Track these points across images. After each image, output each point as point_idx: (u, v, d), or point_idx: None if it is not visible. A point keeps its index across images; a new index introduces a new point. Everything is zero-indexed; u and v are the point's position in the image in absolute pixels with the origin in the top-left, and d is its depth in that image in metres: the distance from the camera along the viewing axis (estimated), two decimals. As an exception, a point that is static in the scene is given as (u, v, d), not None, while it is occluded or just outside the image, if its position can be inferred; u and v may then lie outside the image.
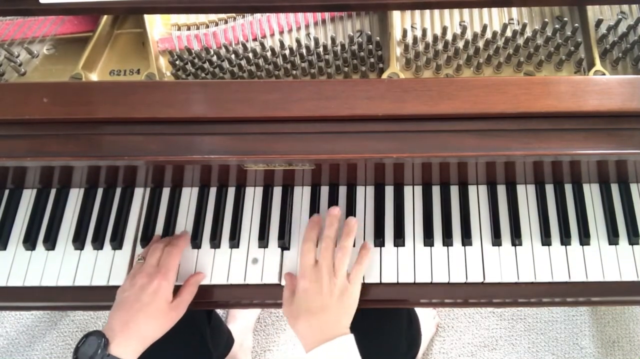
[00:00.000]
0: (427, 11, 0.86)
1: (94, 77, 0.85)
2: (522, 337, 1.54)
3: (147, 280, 0.77)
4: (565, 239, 0.83)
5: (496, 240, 0.84)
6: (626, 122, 0.70)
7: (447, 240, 0.84)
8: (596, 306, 1.53)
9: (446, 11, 0.86)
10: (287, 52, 0.83)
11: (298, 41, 0.83)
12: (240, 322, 1.53)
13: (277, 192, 0.90)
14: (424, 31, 0.84)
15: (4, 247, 0.89)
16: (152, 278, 0.77)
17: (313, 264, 0.77)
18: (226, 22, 0.87)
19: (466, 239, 0.84)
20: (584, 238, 0.83)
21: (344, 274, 0.78)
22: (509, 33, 0.83)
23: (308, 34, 0.86)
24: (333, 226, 0.81)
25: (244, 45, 0.84)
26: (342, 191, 0.89)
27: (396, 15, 0.85)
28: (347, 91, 0.71)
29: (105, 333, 0.72)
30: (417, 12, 0.87)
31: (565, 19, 0.84)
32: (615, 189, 0.87)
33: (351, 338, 0.74)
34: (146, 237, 0.88)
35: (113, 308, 0.77)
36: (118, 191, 0.92)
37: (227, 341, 1.31)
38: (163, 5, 0.72)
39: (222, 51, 0.85)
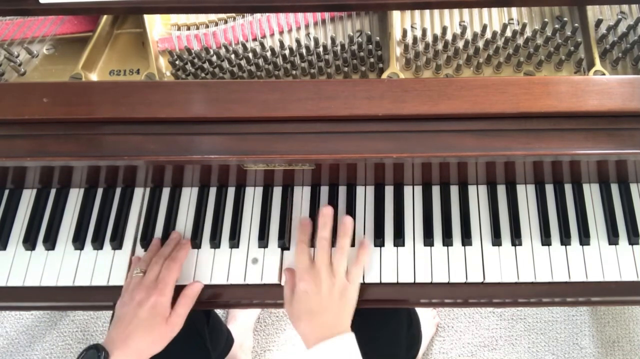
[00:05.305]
0: (427, 11, 0.86)
1: (93, 77, 0.85)
2: (522, 337, 1.54)
3: (145, 296, 0.77)
4: (565, 239, 0.83)
5: (496, 240, 0.84)
6: (626, 122, 0.70)
7: (447, 240, 0.84)
8: (596, 306, 1.53)
9: (446, 11, 0.86)
10: (287, 52, 0.83)
11: (298, 41, 0.83)
12: (240, 322, 1.53)
13: (277, 192, 0.90)
14: (424, 31, 0.84)
15: (4, 248, 0.89)
16: (149, 294, 0.77)
17: (309, 266, 0.77)
18: (226, 22, 0.87)
19: (466, 239, 0.84)
20: (584, 238, 0.83)
21: (343, 274, 0.78)
22: (508, 33, 0.83)
23: (308, 34, 0.86)
24: (327, 226, 0.80)
25: (244, 45, 0.84)
26: (342, 191, 0.89)
27: (396, 15, 0.85)
28: (347, 91, 0.71)
29: (105, 346, 0.73)
30: (417, 12, 0.87)
31: (565, 19, 0.84)
32: (615, 189, 0.87)
33: (351, 336, 0.74)
34: (146, 237, 0.88)
35: (113, 322, 0.78)
36: (118, 191, 0.92)
37: (227, 341, 1.31)
38: (163, 5, 0.72)
39: (222, 51, 0.85)
